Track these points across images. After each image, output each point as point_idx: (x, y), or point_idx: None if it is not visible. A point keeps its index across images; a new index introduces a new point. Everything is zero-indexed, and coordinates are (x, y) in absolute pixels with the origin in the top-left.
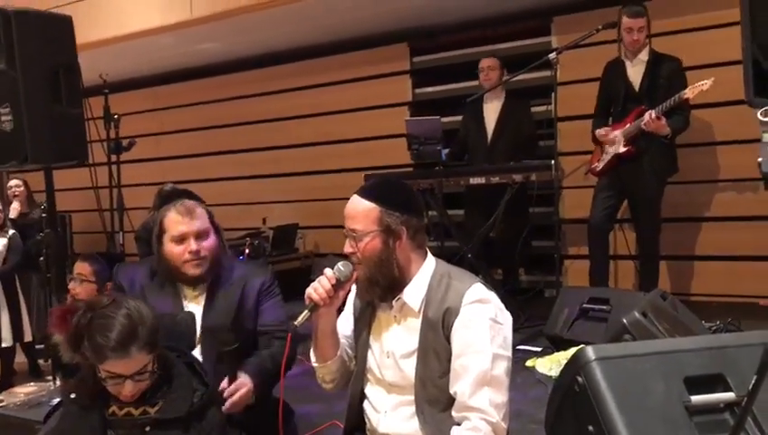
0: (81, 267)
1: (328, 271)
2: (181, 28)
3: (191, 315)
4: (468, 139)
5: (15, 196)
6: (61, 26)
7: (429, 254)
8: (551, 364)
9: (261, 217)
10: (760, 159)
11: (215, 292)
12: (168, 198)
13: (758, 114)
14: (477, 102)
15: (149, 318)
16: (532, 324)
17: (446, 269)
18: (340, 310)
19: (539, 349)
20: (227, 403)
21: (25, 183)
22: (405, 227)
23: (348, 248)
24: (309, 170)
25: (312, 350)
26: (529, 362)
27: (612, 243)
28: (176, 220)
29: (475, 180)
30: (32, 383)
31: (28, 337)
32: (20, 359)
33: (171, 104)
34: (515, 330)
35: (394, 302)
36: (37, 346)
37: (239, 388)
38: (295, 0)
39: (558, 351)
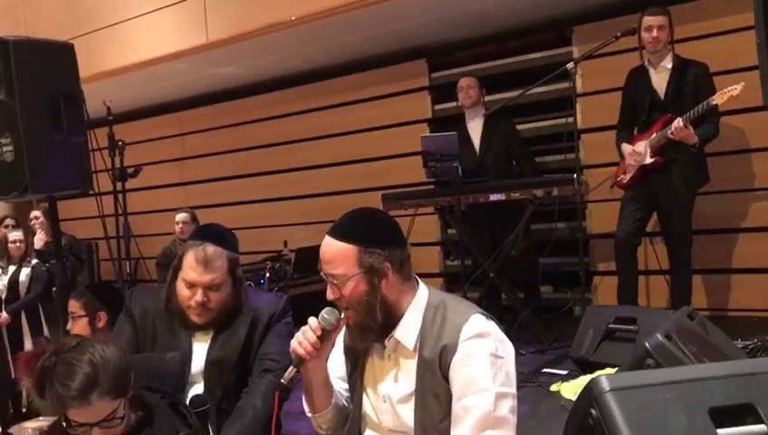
0: (71, 305)
1: (312, 321)
2: (198, 52)
3: (180, 356)
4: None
5: (37, 226)
6: (62, 55)
7: (420, 283)
8: (576, 389)
9: (282, 239)
10: None
11: (223, 328)
12: (198, 232)
13: None
14: (461, 122)
15: (114, 363)
16: (561, 345)
17: (440, 299)
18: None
19: (564, 372)
20: None
21: (45, 212)
22: (389, 263)
23: (330, 295)
24: (330, 191)
25: (304, 399)
26: (553, 387)
27: (642, 257)
28: (191, 266)
29: (494, 197)
30: (41, 418)
31: None
32: None
33: (193, 129)
34: (542, 351)
35: (386, 341)
36: None
37: None
38: (311, 20)
39: (584, 374)
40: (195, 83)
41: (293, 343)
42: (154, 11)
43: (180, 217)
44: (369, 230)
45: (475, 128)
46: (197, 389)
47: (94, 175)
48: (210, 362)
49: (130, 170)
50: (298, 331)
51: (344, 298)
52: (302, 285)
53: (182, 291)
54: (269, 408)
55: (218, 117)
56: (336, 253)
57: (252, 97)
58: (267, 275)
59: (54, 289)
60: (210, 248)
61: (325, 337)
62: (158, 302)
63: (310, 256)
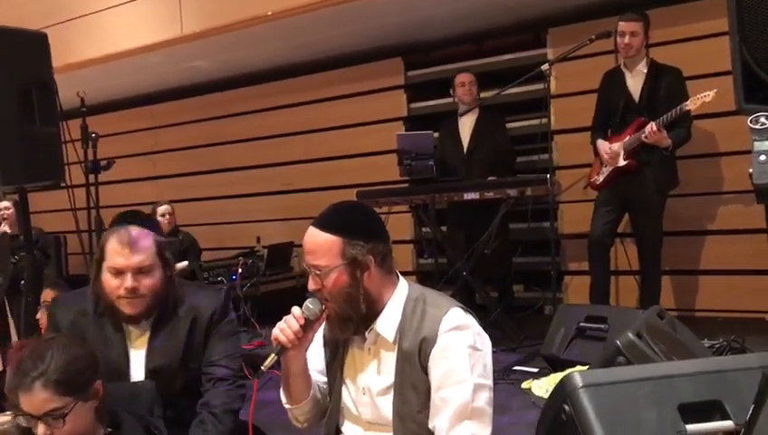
0: (46, 294)
1: (296, 310)
2: (172, 45)
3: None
4: (445, 154)
5: (4, 218)
6: (34, 44)
7: (401, 277)
8: (547, 386)
9: (255, 235)
10: (751, 170)
11: (159, 330)
12: (116, 219)
13: (748, 122)
14: (453, 118)
15: (67, 361)
16: (532, 344)
17: (420, 293)
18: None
19: (535, 370)
20: None
21: (16, 204)
22: (371, 256)
23: (312, 286)
24: (304, 188)
25: (282, 390)
26: (524, 385)
27: (613, 258)
28: (115, 251)
29: (469, 195)
30: (8, 412)
31: None
32: None
33: (165, 123)
34: (513, 349)
35: (367, 333)
36: None
37: None
38: (287, 15)
39: (555, 372)
40: (168, 76)
41: (275, 331)
42: (129, 2)
43: (164, 208)
44: (353, 223)
45: (466, 124)
46: None
47: (66, 167)
48: (151, 372)
49: (104, 163)
50: (245, 328)
51: (326, 289)
52: (273, 281)
53: (109, 282)
54: (229, 422)
55: (191, 111)
56: (320, 244)
57: (225, 92)
58: (239, 271)
59: (23, 282)
60: (134, 230)
61: (308, 326)
62: (87, 308)
63: (282, 252)
